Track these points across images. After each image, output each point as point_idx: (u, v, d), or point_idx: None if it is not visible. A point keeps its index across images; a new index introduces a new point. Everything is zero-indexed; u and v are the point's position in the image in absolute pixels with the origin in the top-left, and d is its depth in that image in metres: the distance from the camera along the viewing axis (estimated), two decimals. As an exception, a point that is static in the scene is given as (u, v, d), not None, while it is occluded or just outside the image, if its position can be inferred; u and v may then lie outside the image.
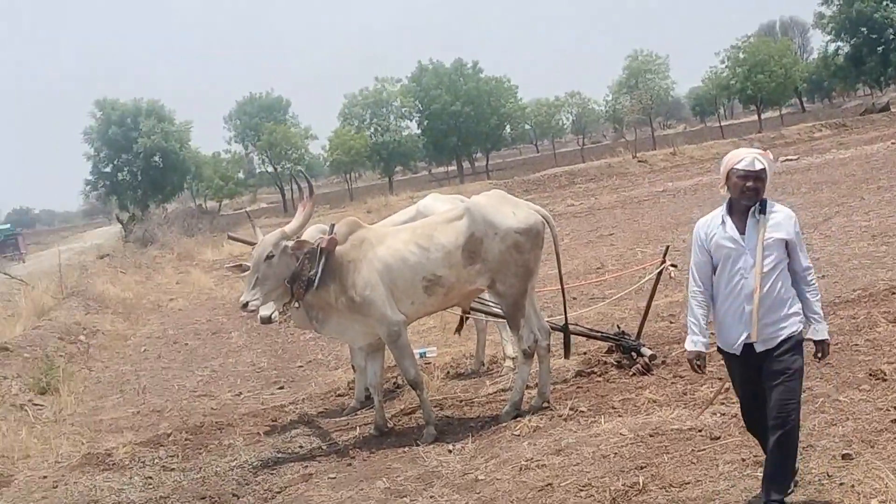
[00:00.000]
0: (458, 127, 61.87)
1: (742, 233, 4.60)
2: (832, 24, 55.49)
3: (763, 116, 63.16)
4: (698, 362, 4.76)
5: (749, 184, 4.55)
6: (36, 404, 10.24)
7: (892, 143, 30.47)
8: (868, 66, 55.20)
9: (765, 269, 4.52)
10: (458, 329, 9.49)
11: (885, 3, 52.63)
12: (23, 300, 18.43)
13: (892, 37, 54.06)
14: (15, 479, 7.78)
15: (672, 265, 8.58)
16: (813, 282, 4.70)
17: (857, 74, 58.20)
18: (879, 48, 54.34)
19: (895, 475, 4.71)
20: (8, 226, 58.83)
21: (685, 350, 4.82)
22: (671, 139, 53.01)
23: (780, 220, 4.60)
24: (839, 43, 56.98)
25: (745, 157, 4.58)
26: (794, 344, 4.58)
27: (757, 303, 4.51)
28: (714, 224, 4.71)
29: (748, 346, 4.60)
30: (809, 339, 4.68)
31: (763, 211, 4.57)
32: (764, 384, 4.59)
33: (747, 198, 4.58)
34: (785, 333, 4.56)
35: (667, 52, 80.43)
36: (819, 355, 4.72)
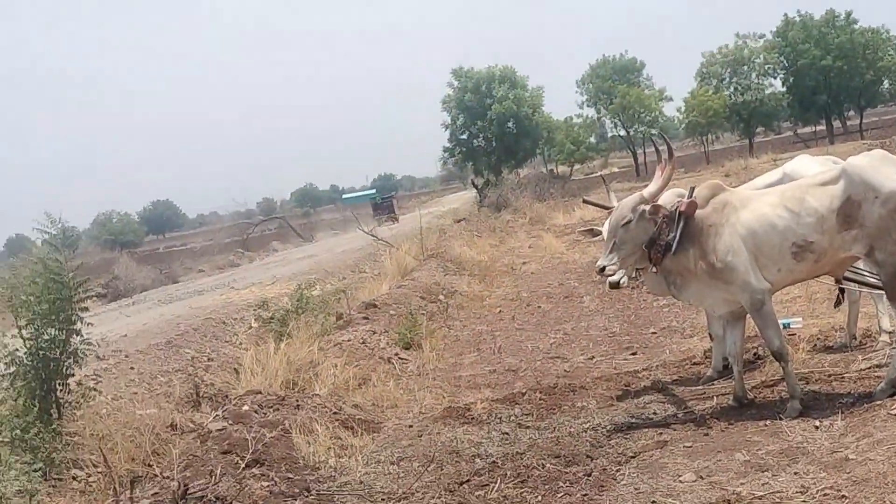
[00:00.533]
0: (829, 83, 57.73)
1: None
2: None
3: None
4: None
5: None
6: (401, 358, 11.04)
7: None
8: None
9: None
10: (838, 303, 8.84)
11: None
12: (388, 261, 19.95)
13: None
14: (384, 426, 8.43)
15: None
16: None
17: None
18: None
19: None
20: (373, 191, 63.97)
21: None
22: None
23: None
24: None
25: None
26: None
27: None
28: None
29: None
30: None
31: None
32: None
33: None
34: None
35: None
36: None
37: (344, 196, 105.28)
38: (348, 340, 11.22)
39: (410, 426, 8.27)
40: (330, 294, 15.31)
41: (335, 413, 8.40)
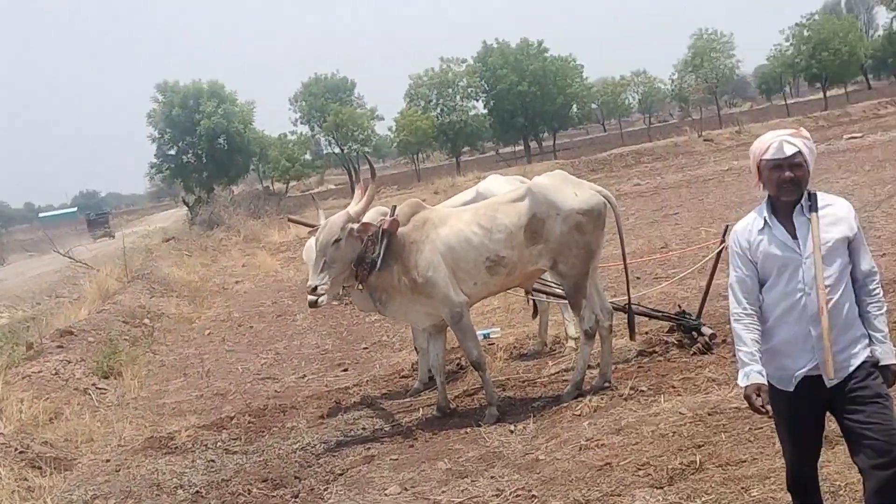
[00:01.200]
0: (525, 107, 61.61)
1: (794, 237, 3.70)
2: (896, 0, 53.75)
3: (828, 94, 61.79)
4: (760, 397, 3.68)
5: (785, 174, 3.68)
6: (99, 388, 10.42)
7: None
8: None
9: (828, 281, 3.63)
10: (535, 313, 9.44)
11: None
12: (88, 284, 18.83)
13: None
14: (78, 463, 7.92)
15: (734, 244, 8.48)
16: (877, 291, 3.77)
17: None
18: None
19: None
20: (74, 209, 61.02)
21: (740, 387, 3.80)
22: (736, 118, 52.13)
23: (838, 214, 3.72)
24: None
25: (773, 142, 3.73)
26: (871, 369, 3.69)
27: (826, 325, 3.59)
28: (756, 229, 3.79)
29: (810, 380, 3.71)
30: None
31: (813, 206, 3.69)
32: (848, 430, 3.68)
33: (787, 192, 3.70)
34: (859, 360, 3.69)
35: (731, 30, 79.07)
36: (885, 385, 3.73)
37: (41, 214, 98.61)
38: (39, 372, 10.43)
39: (107, 461, 7.83)
40: (19, 322, 14.16)
41: (21, 452, 7.74)
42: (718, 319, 8.66)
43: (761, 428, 5.65)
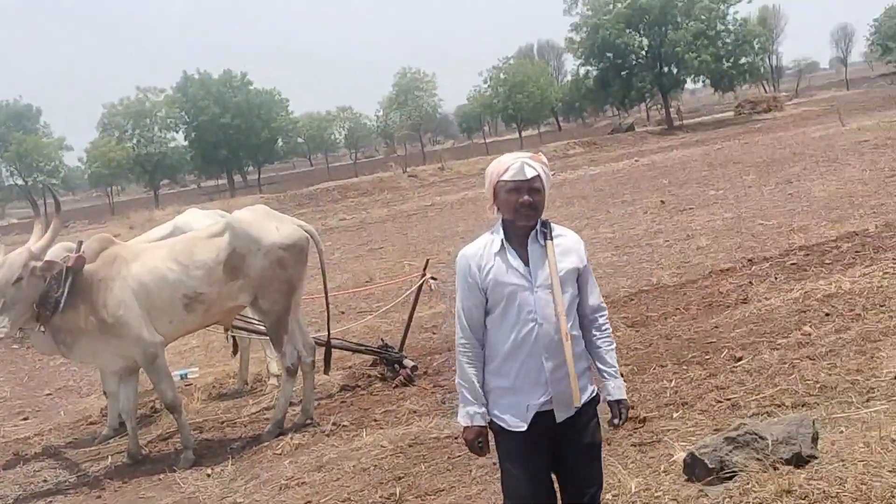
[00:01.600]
0: (228, 139, 60.75)
1: (527, 264, 3.47)
2: (581, 49, 58.35)
3: (524, 134, 66.28)
4: (479, 442, 3.50)
5: (524, 198, 3.44)
6: None
7: (636, 161, 32.64)
8: (614, 89, 58.39)
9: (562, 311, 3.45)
10: (236, 351, 9.16)
11: (627, 31, 56.21)
12: None
13: (633, 62, 57.82)
14: None
15: (432, 277, 8.81)
16: (606, 326, 3.65)
17: (605, 96, 61.13)
18: (623, 72, 57.79)
19: (626, 469, 4.97)
20: None
21: (462, 427, 3.56)
22: (440, 155, 54.33)
23: (570, 244, 3.55)
24: (588, 67, 59.93)
25: (512, 163, 3.48)
26: (595, 407, 3.61)
27: (571, 356, 3.41)
28: (488, 254, 3.50)
29: (542, 416, 3.46)
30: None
31: (548, 234, 3.51)
32: (563, 464, 3.57)
33: (524, 217, 3.46)
34: (587, 395, 3.54)
35: (434, 70, 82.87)
36: (617, 421, 3.60)
37: None
38: None
39: None
40: None
41: None
42: (420, 351, 8.92)
43: (459, 456, 5.82)
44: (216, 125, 59.50)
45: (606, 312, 3.68)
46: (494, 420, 3.52)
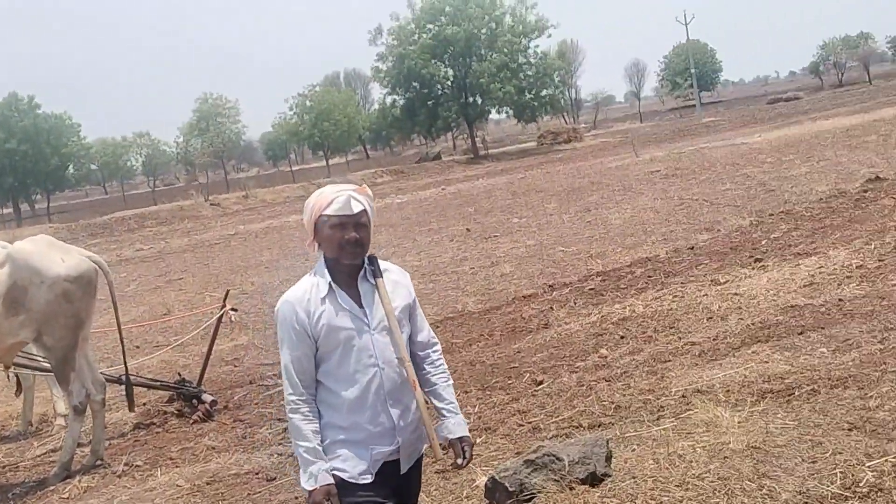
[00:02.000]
0: (14, 166, 57.38)
1: (360, 305, 3.19)
2: (388, 78, 59.11)
3: (331, 162, 66.24)
4: (330, 500, 3.09)
5: (350, 234, 3.14)
6: None
7: (443, 189, 33.27)
8: (420, 118, 59.35)
9: (400, 353, 3.21)
10: (19, 390, 8.50)
11: (433, 61, 57.38)
12: None
13: (439, 92, 59.09)
14: None
15: (232, 309, 8.57)
16: (441, 361, 3.44)
17: (412, 125, 61.98)
18: (430, 102, 58.92)
19: (429, 497, 4.95)
20: None
21: (305, 492, 3.14)
22: (244, 182, 53.42)
23: (398, 278, 3.32)
24: (395, 96, 60.68)
25: (336, 197, 3.18)
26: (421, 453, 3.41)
27: (422, 397, 3.22)
28: (316, 299, 3.17)
29: (389, 465, 3.22)
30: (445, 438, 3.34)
31: (377, 271, 3.24)
32: None
33: (350, 254, 3.17)
34: (424, 442, 3.34)
35: (237, 96, 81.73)
36: (461, 461, 3.31)
37: None
38: None
39: None
40: None
41: None
42: (220, 385, 8.65)
43: (260, 492, 5.65)
44: (1, 151, 56.04)
45: (440, 346, 3.46)
46: (336, 474, 3.15)
